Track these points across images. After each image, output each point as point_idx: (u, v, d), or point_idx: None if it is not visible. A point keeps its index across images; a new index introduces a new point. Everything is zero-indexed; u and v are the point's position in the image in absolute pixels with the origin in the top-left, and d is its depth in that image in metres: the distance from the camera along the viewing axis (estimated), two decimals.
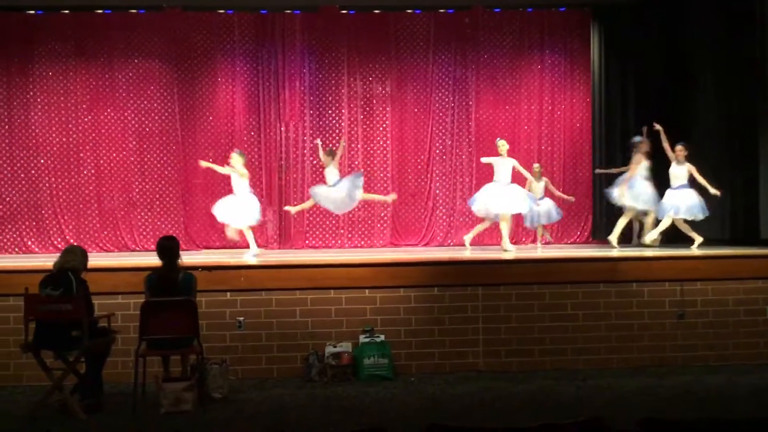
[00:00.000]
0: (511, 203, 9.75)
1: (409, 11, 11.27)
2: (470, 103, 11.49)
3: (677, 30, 10.73)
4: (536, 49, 11.52)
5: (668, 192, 9.49)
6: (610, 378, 7.05)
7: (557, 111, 11.55)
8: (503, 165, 9.84)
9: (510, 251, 9.50)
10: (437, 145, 11.55)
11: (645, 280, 7.67)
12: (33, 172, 10.88)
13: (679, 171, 9.44)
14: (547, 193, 10.60)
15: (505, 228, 9.79)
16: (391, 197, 10.81)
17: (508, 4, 11.13)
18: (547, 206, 10.50)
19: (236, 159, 9.63)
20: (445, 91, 11.50)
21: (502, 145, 9.89)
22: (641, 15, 10.89)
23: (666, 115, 10.55)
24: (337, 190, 10.04)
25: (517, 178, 10.07)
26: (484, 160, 10.18)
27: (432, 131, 11.51)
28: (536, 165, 10.68)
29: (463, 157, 11.53)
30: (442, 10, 11.26)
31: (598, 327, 7.54)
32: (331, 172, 10.07)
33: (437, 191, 11.56)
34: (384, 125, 11.49)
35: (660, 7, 10.76)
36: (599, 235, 10.99)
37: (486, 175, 11.39)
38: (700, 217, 9.29)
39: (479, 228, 10.30)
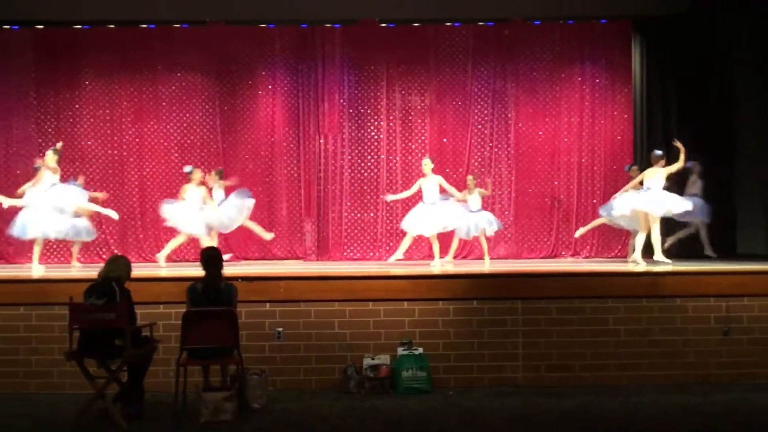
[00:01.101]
0: (437, 223, 9.69)
1: (448, 24, 11.27)
2: (509, 115, 11.44)
3: (720, 43, 10.57)
4: (576, 61, 11.43)
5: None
6: (654, 394, 6.91)
7: (598, 124, 11.44)
8: (427, 184, 9.79)
9: (437, 265, 9.51)
10: (476, 157, 11.51)
11: (689, 296, 7.51)
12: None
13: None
14: (483, 204, 10.40)
15: (435, 244, 9.82)
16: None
17: (548, 17, 11.05)
18: (486, 218, 10.26)
19: (49, 156, 9.38)
20: (484, 103, 11.47)
21: (425, 165, 9.84)
22: (683, 28, 10.73)
23: (709, 128, 10.42)
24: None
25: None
26: (406, 193, 10.15)
27: (471, 144, 11.47)
28: (470, 177, 10.51)
29: (502, 170, 11.47)
30: (481, 23, 11.23)
31: (641, 342, 7.41)
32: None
33: None
34: (422, 138, 11.50)
35: (702, 20, 10.59)
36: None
37: (525, 187, 11.37)
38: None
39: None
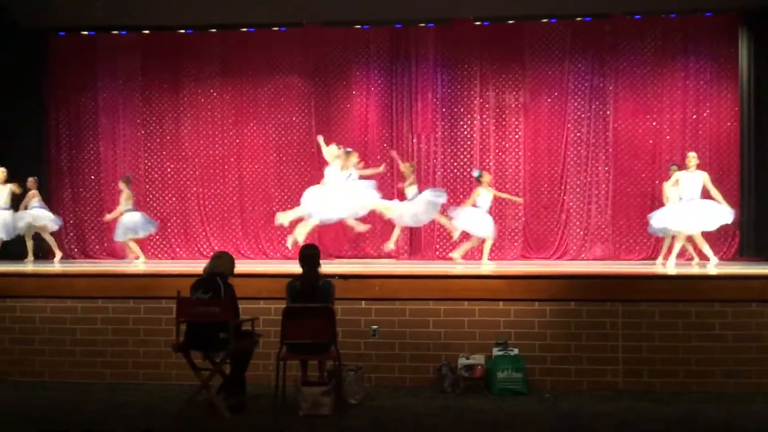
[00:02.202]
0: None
1: (544, 21, 11.10)
2: (608, 112, 11.16)
3: None
4: (680, 55, 11.04)
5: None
6: (763, 403, 6.60)
7: (702, 120, 11.01)
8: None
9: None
10: (572, 156, 11.28)
11: None
12: (182, 182, 11.57)
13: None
14: None
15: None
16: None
17: (650, 10, 10.71)
18: (423, 207, 10.21)
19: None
20: (581, 100, 11.23)
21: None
22: None
23: None
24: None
25: None
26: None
27: (567, 142, 11.26)
28: (408, 164, 10.45)
29: (599, 168, 11.20)
30: (579, 19, 11.01)
31: (750, 349, 7.06)
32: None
33: (571, 204, 11.28)
34: (517, 136, 11.37)
35: None
36: (748, 252, 10.33)
37: (623, 186, 11.06)
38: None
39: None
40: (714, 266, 9.06)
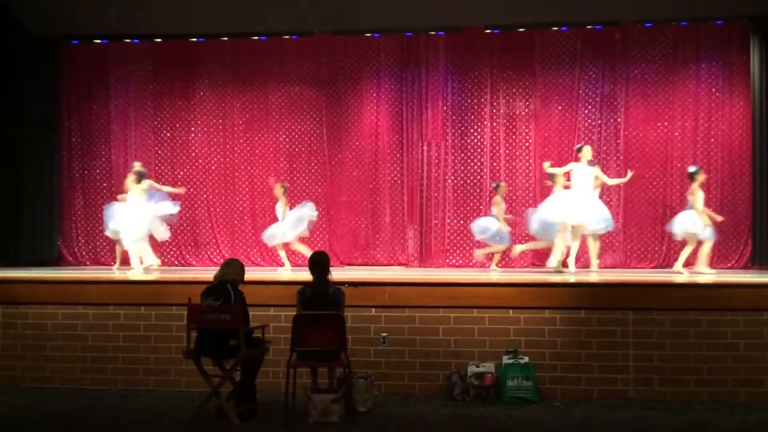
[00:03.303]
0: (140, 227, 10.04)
1: (555, 29, 11.08)
2: (619, 120, 11.12)
3: None
4: (691, 63, 10.98)
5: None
6: None
7: (714, 128, 10.94)
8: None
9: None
10: None
11: None
12: (192, 189, 11.59)
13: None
14: None
15: None
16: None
17: (661, 18, 10.68)
18: (290, 223, 10.53)
19: None
20: (592, 108, 11.20)
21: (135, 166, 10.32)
22: None
23: None
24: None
25: None
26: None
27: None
28: (279, 184, 10.69)
29: (611, 176, 11.08)
30: (589, 27, 10.99)
31: (762, 358, 7.04)
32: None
33: None
34: (527, 144, 11.35)
35: None
36: (761, 260, 10.26)
37: (634, 194, 11.03)
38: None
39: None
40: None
